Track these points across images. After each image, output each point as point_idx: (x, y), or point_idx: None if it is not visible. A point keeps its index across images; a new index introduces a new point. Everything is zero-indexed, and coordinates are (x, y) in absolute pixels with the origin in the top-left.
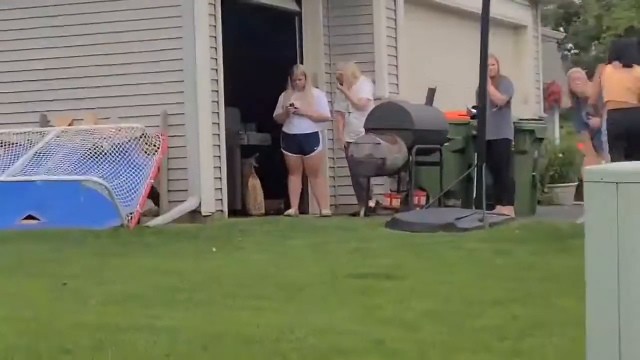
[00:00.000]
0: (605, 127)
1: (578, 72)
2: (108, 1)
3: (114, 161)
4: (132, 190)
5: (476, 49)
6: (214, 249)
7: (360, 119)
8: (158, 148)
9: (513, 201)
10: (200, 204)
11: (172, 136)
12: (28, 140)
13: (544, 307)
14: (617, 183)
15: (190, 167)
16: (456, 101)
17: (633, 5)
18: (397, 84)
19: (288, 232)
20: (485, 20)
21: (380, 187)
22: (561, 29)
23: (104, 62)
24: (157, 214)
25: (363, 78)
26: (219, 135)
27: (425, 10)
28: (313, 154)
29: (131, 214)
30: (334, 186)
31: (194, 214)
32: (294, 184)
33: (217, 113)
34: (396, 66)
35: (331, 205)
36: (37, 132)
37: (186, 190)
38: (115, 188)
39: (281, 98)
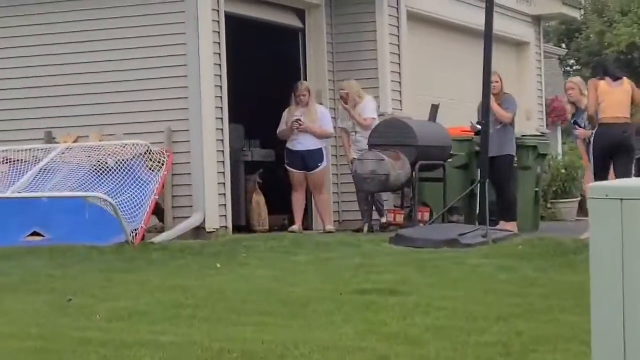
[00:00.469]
0: (592, 140)
1: (570, 83)
2: (112, 19)
3: (118, 178)
4: (137, 207)
5: (479, 66)
6: (218, 265)
7: (367, 137)
8: (163, 165)
9: (516, 217)
10: (204, 220)
11: (176, 153)
12: (33, 157)
13: (547, 323)
14: (621, 200)
15: (195, 184)
16: (459, 117)
17: (635, 22)
18: (400, 101)
19: (292, 248)
20: (488, 37)
21: (385, 203)
22: (563, 45)
23: (108, 79)
24: (161, 231)
25: (367, 97)
26: (223, 151)
27: (428, 27)
28: (317, 170)
29: (136, 230)
30: (338, 202)
31: (199, 230)
32: (298, 200)
33: (222, 130)
34: (399, 82)
35: (335, 221)
36: (42, 149)
37: (191, 206)
38: (120, 204)
39: (285, 114)
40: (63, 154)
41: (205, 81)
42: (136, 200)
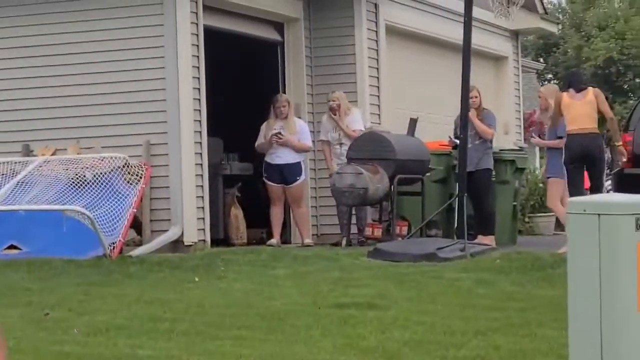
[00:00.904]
0: (563, 151)
1: (539, 92)
2: (90, 31)
3: (96, 191)
4: (115, 220)
5: (458, 79)
6: (196, 279)
7: None
8: (141, 178)
9: (494, 231)
10: (182, 233)
11: (154, 166)
12: (11, 169)
13: (525, 337)
14: (599, 215)
15: (173, 197)
16: (438, 131)
17: (612, 36)
18: (378, 114)
19: (270, 262)
20: (466, 51)
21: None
22: (541, 59)
23: (86, 92)
24: (139, 244)
25: (355, 109)
26: (201, 165)
27: (407, 41)
28: (295, 183)
29: (114, 243)
30: (316, 216)
31: (177, 244)
32: (276, 214)
33: (200, 143)
34: (378, 96)
35: (313, 234)
36: (20, 162)
37: (169, 219)
38: (98, 218)
39: (263, 127)
40: (41, 166)
41: (183, 94)
42: (114, 214)
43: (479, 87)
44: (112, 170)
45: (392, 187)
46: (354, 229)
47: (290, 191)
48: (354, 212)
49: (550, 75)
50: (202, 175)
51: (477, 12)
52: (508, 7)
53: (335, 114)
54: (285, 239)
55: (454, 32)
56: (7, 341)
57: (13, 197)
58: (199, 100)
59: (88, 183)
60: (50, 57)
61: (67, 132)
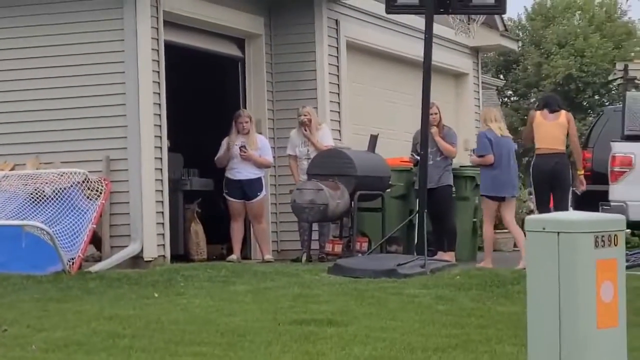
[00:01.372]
0: (531, 171)
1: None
2: (50, 46)
3: (56, 206)
4: (74, 236)
5: (418, 96)
6: (156, 295)
7: None
8: (101, 193)
9: (454, 247)
10: (142, 249)
11: (114, 181)
12: None
13: (485, 354)
14: (558, 232)
15: (133, 213)
16: (398, 147)
17: (571, 54)
18: (339, 130)
19: (230, 278)
20: (427, 68)
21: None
22: (501, 76)
23: (46, 107)
24: (99, 259)
25: (324, 125)
26: (161, 180)
27: (368, 57)
28: (256, 199)
29: (73, 259)
30: (276, 232)
31: (136, 260)
32: (237, 230)
33: (160, 158)
34: (339, 112)
35: (273, 250)
36: None
37: (128, 235)
38: (57, 233)
39: (224, 142)
40: None
41: (144, 109)
42: (73, 229)
43: (439, 103)
44: (71, 186)
45: (353, 203)
46: (314, 245)
47: (250, 207)
48: (314, 228)
49: (510, 92)
50: (162, 190)
51: (437, 29)
52: (468, 24)
53: (306, 129)
54: (246, 254)
55: (415, 49)
56: None
57: None
58: (159, 115)
59: (47, 198)
60: (9, 71)
61: (26, 147)
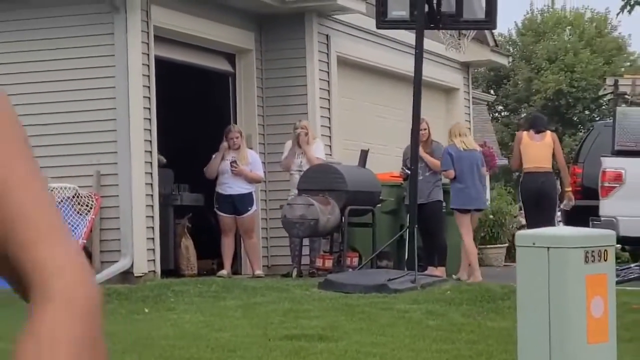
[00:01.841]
0: (519, 189)
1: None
2: (42, 61)
3: None
4: None
5: (409, 111)
6: (146, 310)
7: None
8: (91, 208)
9: (445, 263)
10: (132, 264)
11: (105, 196)
12: None
13: None
14: (548, 248)
15: (123, 228)
16: (389, 163)
17: (562, 69)
18: (330, 145)
19: (221, 293)
20: (417, 83)
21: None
22: (492, 91)
23: (36, 122)
24: None
25: (318, 139)
26: (152, 195)
27: (359, 72)
28: (247, 214)
29: None
30: (267, 247)
31: (127, 275)
32: (227, 245)
33: (151, 173)
34: (329, 127)
35: (264, 265)
36: None
37: (119, 250)
38: None
39: (215, 156)
40: None
41: (134, 124)
42: None
43: (430, 118)
44: (61, 201)
45: (343, 218)
46: (305, 260)
47: (241, 222)
48: (305, 243)
49: (500, 107)
50: (152, 206)
51: (428, 44)
52: (459, 40)
53: (301, 141)
54: (236, 269)
55: (406, 64)
56: None
57: None
58: (150, 130)
59: None
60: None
61: None
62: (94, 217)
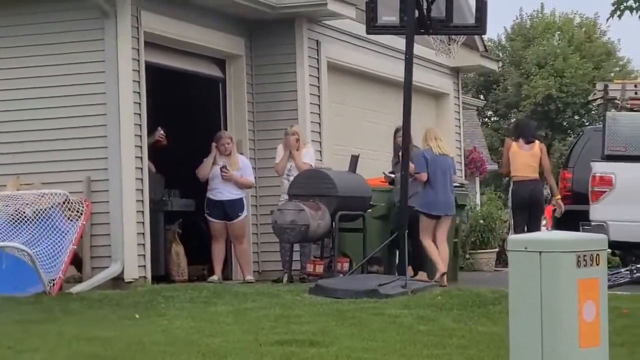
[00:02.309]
0: (510, 196)
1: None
2: (32, 67)
3: (36, 227)
4: (55, 257)
5: (399, 116)
6: (137, 316)
7: None
8: (81, 214)
9: (425, 267)
10: (123, 270)
11: (95, 202)
12: None
13: None
14: (540, 252)
15: (114, 233)
16: (379, 168)
17: (551, 74)
18: (320, 151)
19: (211, 299)
20: (407, 89)
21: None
22: (481, 96)
23: (26, 128)
24: (79, 281)
25: (309, 145)
26: (142, 201)
27: (349, 78)
28: (237, 219)
29: (53, 280)
30: (257, 252)
31: (117, 280)
32: (218, 250)
33: (141, 179)
34: (319, 133)
35: (254, 271)
36: None
37: (109, 256)
38: (38, 254)
39: (206, 160)
40: None
41: (124, 130)
42: (54, 250)
43: (420, 123)
44: (52, 207)
45: (334, 223)
46: (295, 266)
47: (232, 227)
48: (296, 248)
49: (490, 112)
50: (143, 211)
51: (418, 49)
52: (449, 45)
53: (293, 148)
54: (227, 275)
55: (396, 69)
56: None
57: None
58: (140, 136)
59: (28, 219)
60: None
61: (7, 168)
62: (84, 222)
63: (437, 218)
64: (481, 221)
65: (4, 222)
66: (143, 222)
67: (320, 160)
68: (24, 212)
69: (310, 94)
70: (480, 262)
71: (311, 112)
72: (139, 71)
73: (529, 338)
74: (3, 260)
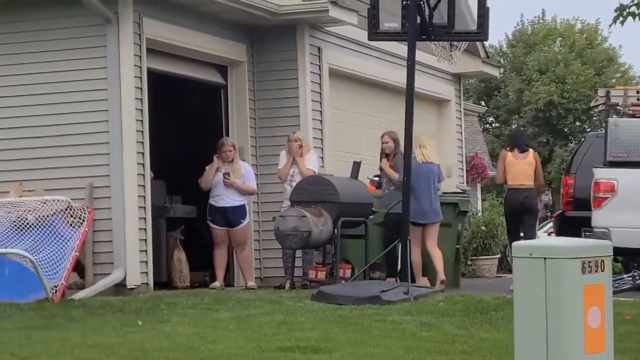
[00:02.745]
0: (503, 203)
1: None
2: (34, 73)
3: (39, 234)
4: (57, 263)
5: (401, 123)
6: (139, 322)
7: None
8: (83, 220)
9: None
10: (125, 276)
11: (97, 208)
12: None
13: None
14: (545, 258)
15: (116, 240)
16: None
17: (552, 80)
18: (322, 157)
19: (214, 305)
20: (409, 95)
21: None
22: (482, 102)
23: (29, 135)
24: (82, 287)
25: (312, 151)
26: (144, 207)
27: (351, 84)
28: (240, 226)
29: (56, 287)
30: (259, 259)
31: (119, 287)
32: (220, 257)
33: (143, 186)
34: (321, 139)
35: (256, 277)
36: None
37: (111, 262)
38: (40, 261)
39: (208, 168)
40: None
41: (126, 137)
42: (56, 257)
43: (421, 129)
44: (54, 213)
45: (336, 230)
46: (297, 272)
47: (234, 234)
48: (298, 255)
49: (491, 119)
50: (145, 218)
51: (420, 56)
52: (451, 51)
53: (296, 154)
54: (229, 281)
55: (397, 76)
56: None
57: None
58: (142, 142)
59: (30, 226)
60: None
61: (9, 175)
62: (86, 229)
63: (422, 226)
64: (483, 227)
65: (6, 229)
66: (145, 229)
67: (322, 167)
68: (27, 219)
69: (312, 100)
70: (482, 268)
71: (313, 119)
72: (140, 77)
73: (534, 344)
74: (5, 266)
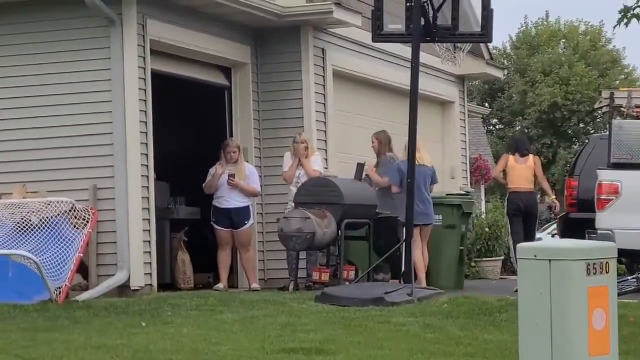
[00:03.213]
0: (506, 205)
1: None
2: (38, 75)
3: (42, 235)
4: (61, 265)
5: (405, 124)
6: (143, 324)
7: None
8: (87, 222)
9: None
10: (129, 278)
11: (101, 210)
12: None
13: None
14: (549, 260)
15: (120, 241)
16: None
17: (556, 82)
18: (326, 159)
19: (217, 307)
20: (413, 96)
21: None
22: (486, 104)
23: (33, 136)
24: (86, 288)
25: (317, 152)
26: (148, 209)
27: (355, 86)
28: (244, 227)
29: (60, 288)
30: (263, 260)
31: (123, 288)
32: (224, 258)
33: (147, 187)
34: (325, 141)
35: (260, 279)
36: None
37: (115, 264)
38: (44, 262)
39: (212, 170)
40: None
41: (130, 138)
42: (60, 258)
43: (425, 131)
44: (58, 215)
45: (340, 231)
46: (301, 273)
47: (238, 235)
48: (302, 256)
49: (495, 120)
50: (149, 219)
51: (424, 57)
52: (455, 53)
53: (302, 156)
54: (232, 283)
55: (401, 77)
56: None
57: None
58: (146, 144)
59: (34, 227)
60: None
61: (13, 176)
62: (90, 230)
63: (416, 227)
64: (486, 229)
65: (10, 230)
66: (149, 230)
67: (326, 168)
68: (30, 220)
69: (316, 101)
70: (486, 269)
71: (317, 120)
72: (144, 79)
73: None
74: (9, 268)
